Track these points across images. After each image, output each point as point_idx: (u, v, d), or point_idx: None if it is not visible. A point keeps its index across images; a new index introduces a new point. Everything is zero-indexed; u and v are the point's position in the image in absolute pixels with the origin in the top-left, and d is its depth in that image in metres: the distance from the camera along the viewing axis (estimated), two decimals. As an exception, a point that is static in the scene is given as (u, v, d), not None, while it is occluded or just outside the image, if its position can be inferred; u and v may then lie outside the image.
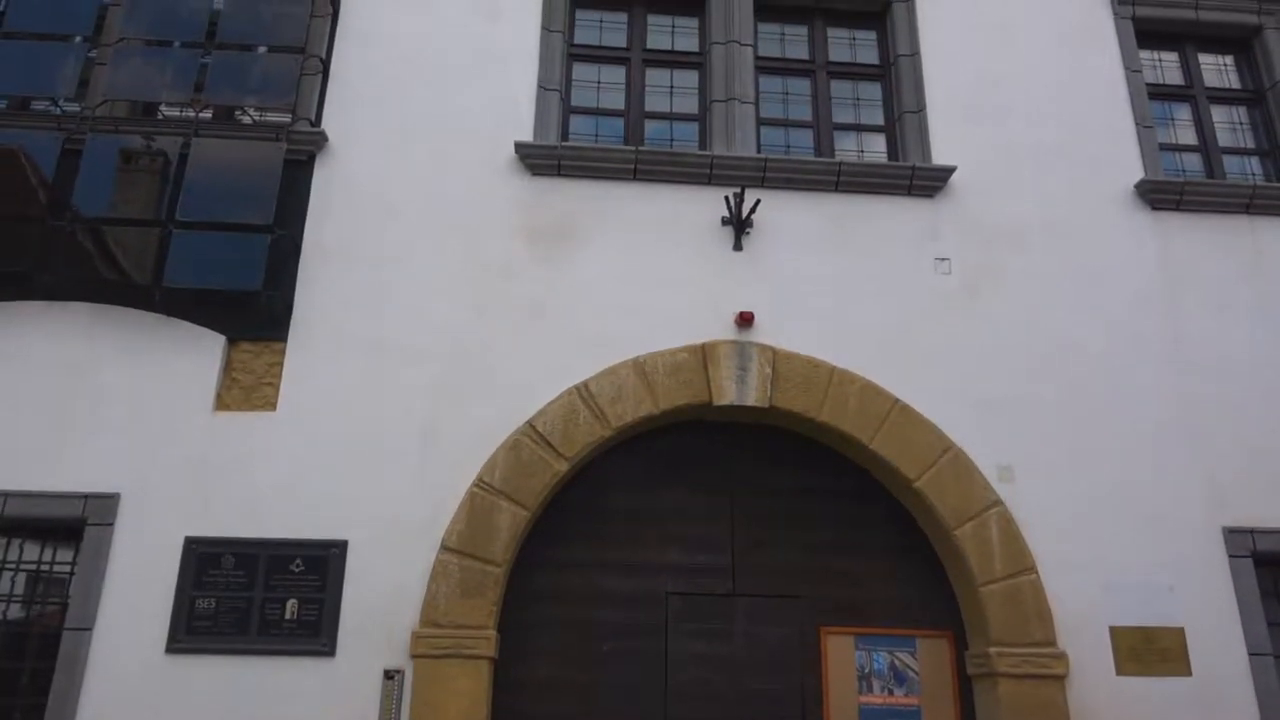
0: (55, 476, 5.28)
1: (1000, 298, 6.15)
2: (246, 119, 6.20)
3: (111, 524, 5.21)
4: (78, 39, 6.19)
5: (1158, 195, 6.47)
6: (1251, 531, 5.68)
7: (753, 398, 5.75)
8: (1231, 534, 5.67)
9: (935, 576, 5.82)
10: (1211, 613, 5.52)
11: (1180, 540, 5.66)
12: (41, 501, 5.23)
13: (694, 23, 6.97)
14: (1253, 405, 6.00)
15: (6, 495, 5.22)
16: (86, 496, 5.25)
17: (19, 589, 5.25)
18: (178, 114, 6.13)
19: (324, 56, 6.36)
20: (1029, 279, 6.21)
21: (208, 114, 6.16)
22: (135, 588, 5.12)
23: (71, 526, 5.24)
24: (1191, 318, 6.21)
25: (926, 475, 5.65)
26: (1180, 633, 5.47)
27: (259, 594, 5.17)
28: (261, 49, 6.26)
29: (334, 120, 6.22)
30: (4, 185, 5.79)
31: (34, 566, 5.29)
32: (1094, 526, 5.64)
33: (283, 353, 5.66)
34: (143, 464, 5.34)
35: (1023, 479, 5.71)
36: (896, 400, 5.81)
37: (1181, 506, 5.73)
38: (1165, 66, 7.24)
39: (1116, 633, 5.44)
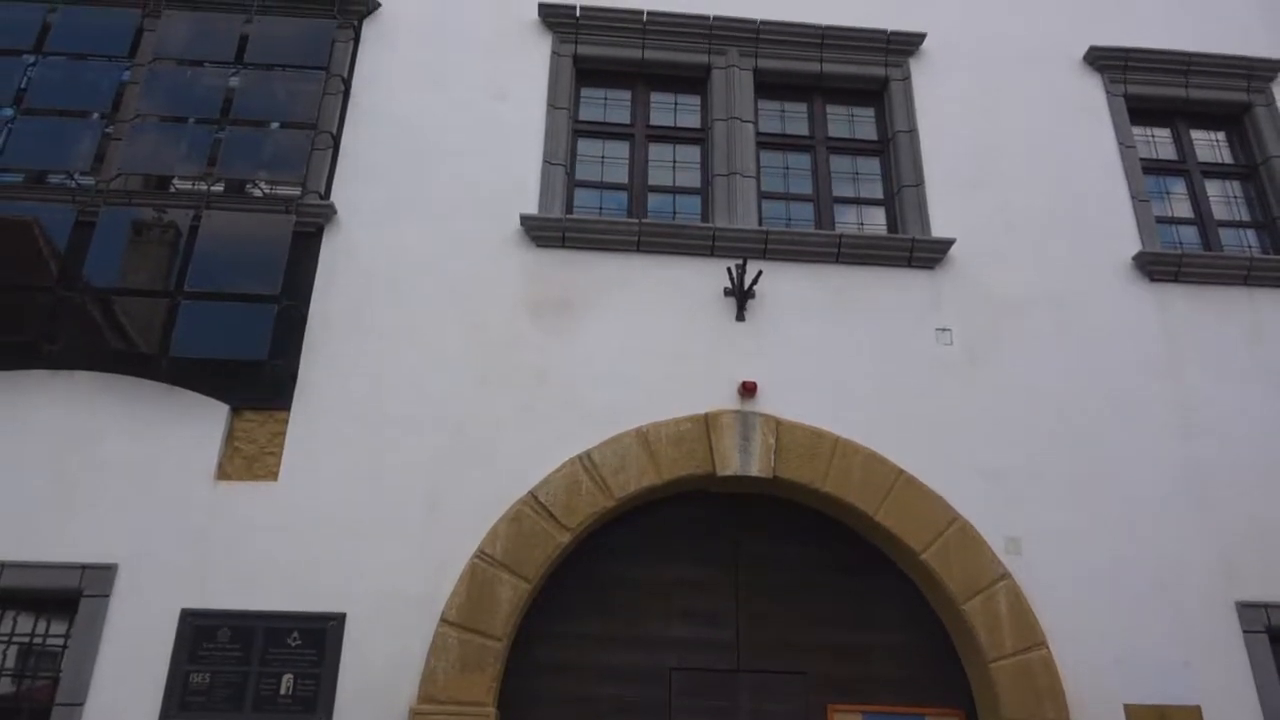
0: (53, 546, 5.23)
1: (1002, 368, 6.17)
2: (257, 192, 6.32)
3: (108, 595, 5.14)
4: (95, 115, 6.36)
5: (1156, 267, 6.53)
6: (1265, 606, 5.58)
7: (756, 468, 5.72)
8: (1245, 609, 5.57)
9: (945, 651, 5.70)
10: (1228, 690, 5.38)
11: (1193, 614, 5.56)
12: (38, 572, 5.17)
13: (696, 100, 7.16)
14: (1261, 476, 5.96)
15: (2, 565, 5.16)
16: (84, 567, 5.19)
17: (10, 663, 5.15)
18: (190, 187, 6.25)
19: (335, 132, 6.52)
20: (1031, 349, 6.24)
21: (219, 187, 6.29)
22: (129, 661, 5.03)
23: (67, 598, 5.16)
24: (1195, 389, 6.21)
25: (933, 547, 5.59)
26: (1197, 711, 5.33)
27: (255, 668, 5.07)
28: (274, 125, 6.43)
29: (343, 193, 6.34)
30: (17, 255, 5.88)
31: (26, 639, 5.20)
32: (1104, 600, 5.55)
33: (286, 422, 5.66)
34: (142, 534, 5.30)
35: (1030, 551, 5.64)
36: (901, 471, 5.77)
37: (1193, 579, 5.65)
38: (1158, 142, 7.39)
39: (1131, 711, 5.30)
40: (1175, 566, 5.67)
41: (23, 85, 6.41)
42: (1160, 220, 6.92)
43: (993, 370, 6.16)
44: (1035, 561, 5.61)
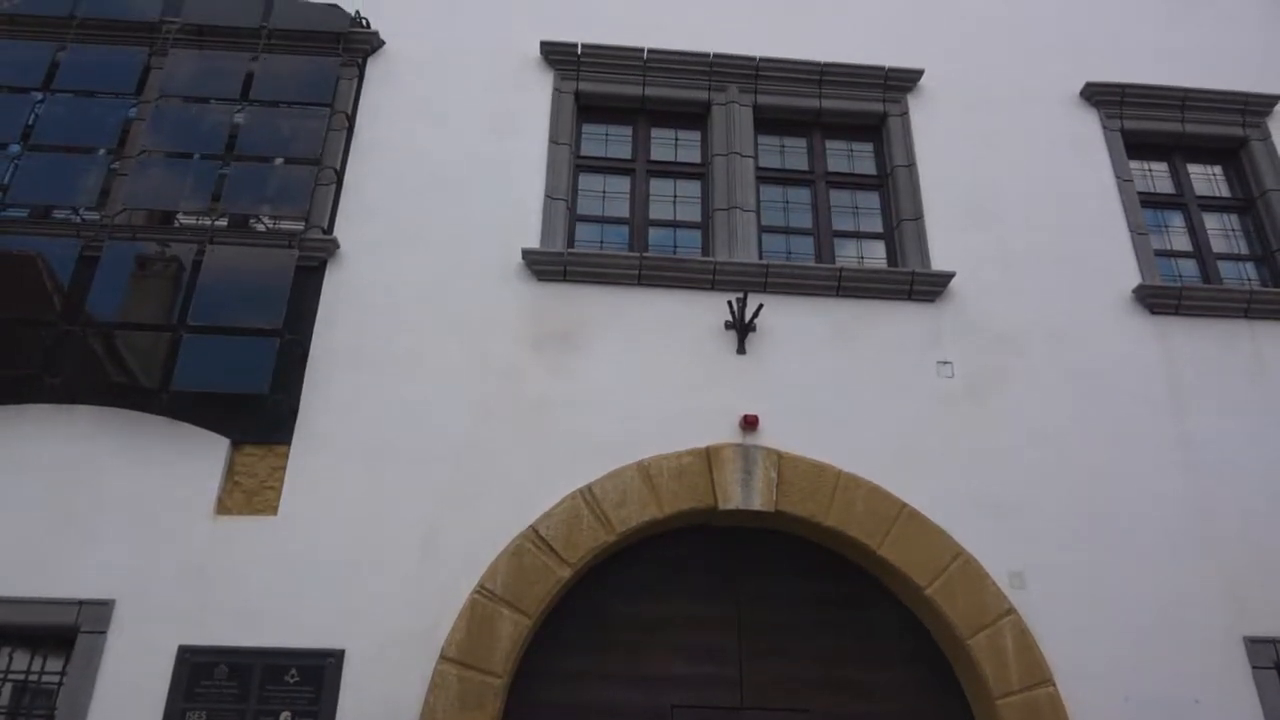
0: (51, 582, 5.19)
1: (1004, 401, 6.16)
2: (261, 227, 6.36)
3: (104, 632, 5.09)
4: (101, 151, 6.42)
5: (1156, 300, 6.55)
6: (1274, 641, 5.52)
7: (758, 502, 5.69)
8: (1254, 644, 5.51)
9: (950, 688, 5.63)
10: (1238, 728, 5.31)
11: (1200, 650, 5.49)
12: (34, 608, 5.12)
13: (696, 135, 7.22)
14: (1267, 509, 5.92)
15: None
16: (81, 603, 5.14)
17: (5, 700, 5.09)
18: (194, 222, 6.29)
19: (338, 168, 6.57)
20: (1032, 382, 6.23)
21: (223, 222, 6.33)
22: (125, 699, 4.96)
23: (64, 635, 5.11)
24: (1198, 420, 6.19)
25: (937, 582, 5.54)
26: (1208, 750, 5.26)
27: (252, 706, 5.00)
28: (279, 160, 6.48)
29: (346, 228, 6.38)
30: (20, 290, 5.90)
31: (22, 676, 5.14)
32: (1111, 636, 5.49)
33: (286, 456, 5.65)
34: (140, 569, 5.26)
35: (1035, 586, 5.59)
36: (904, 504, 5.74)
37: (1200, 615, 5.59)
38: (1156, 176, 7.44)
39: (1141, 750, 5.23)
40: (1182, 601, 5.62)
41: (30, 122, 6.48)
42: (1159, 253, 6.95)
43: (995, 403, 6.15)
44: (1040, 596, 5.56)
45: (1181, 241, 7.16)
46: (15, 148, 6.36)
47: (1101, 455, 6.02)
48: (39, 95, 6.59)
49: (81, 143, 6.43)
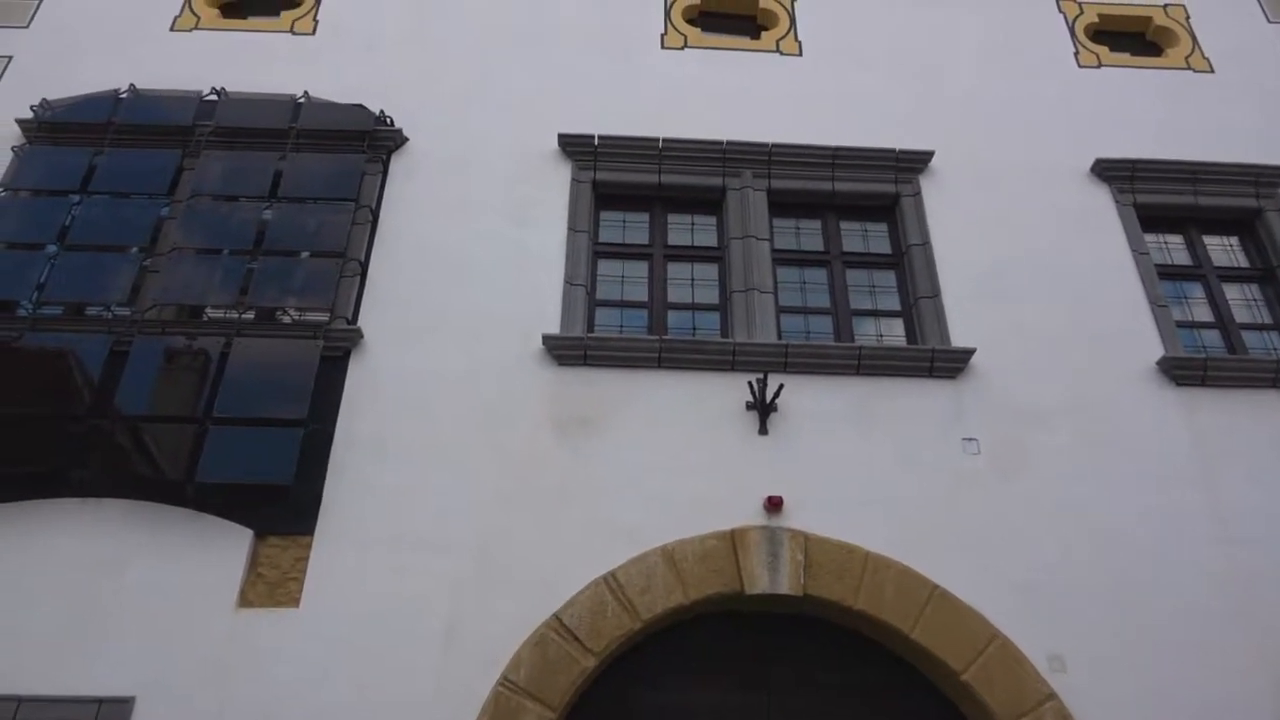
0: (71, 680, 5.13)
1: (1032, 478, 6.07)
2: (287, 318, 6.47)
3: (124, 731, 5.02)
4: (134, 250, 6.61)
5: (1181, 372, 6.49)
6: (1329, 725, 5.29)
7: (786, 585, 5.59)
8: (1308, 728, 5.28)
9: (992, 780, 5.40)
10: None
11: (1252, 735, 5.26)
12: (53, 706, 5.04)
13: (712, 220, 7.35)
14: (1310, 585, 5.74)
15: (19, 700, 5.05)
16: (100, 701, 5.07)
17: (20, 805, 5.00)
18: (222, 315, 6.42)
19: (363, 259, 6.72)
20: (1060, 458, 6.14)
21: (250, 315, 6.45)
22: (142, 802, 4.86)
23: (83, 734, 5.04)
24: (1231, 494, 6.06)
25: (974, 666, 5.37)
26: (1268, 843, 4.98)
27: (271, 808, 4.87)
28: (305, 254, 6.64)
29: (369, 318, 6.49)
30: (51, 386, 6.01)
31: (39, 779, 5.06)
32: (1157, 721, 5.28)
33: (309, 547, 5.62)
34: (161, 665, 5.20)
35: (1074, 669, 5.40)
36: (935, 586, 5.61)
37: (1246, 697, 5.36)
38: (1172, 248, 7.46)
39: (1198, 844, 4.96)
40: (1226, 683, 5.40)
41: (67, 223, 6.70)
42: (1180, 325, 6.92)
43: (1022, 480, 6.06)
44: (1080, 680, 5.37)
45: (1202, 312, 7.12)
46: (53, 248, 6.56)
47: (1134, 530, 5.89)
48: (76, 198, 6.82)
49: (115, 242, 6.63)
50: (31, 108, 7.23)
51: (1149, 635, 5.54)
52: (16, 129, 7.19)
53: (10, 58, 7.74)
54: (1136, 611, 5.61)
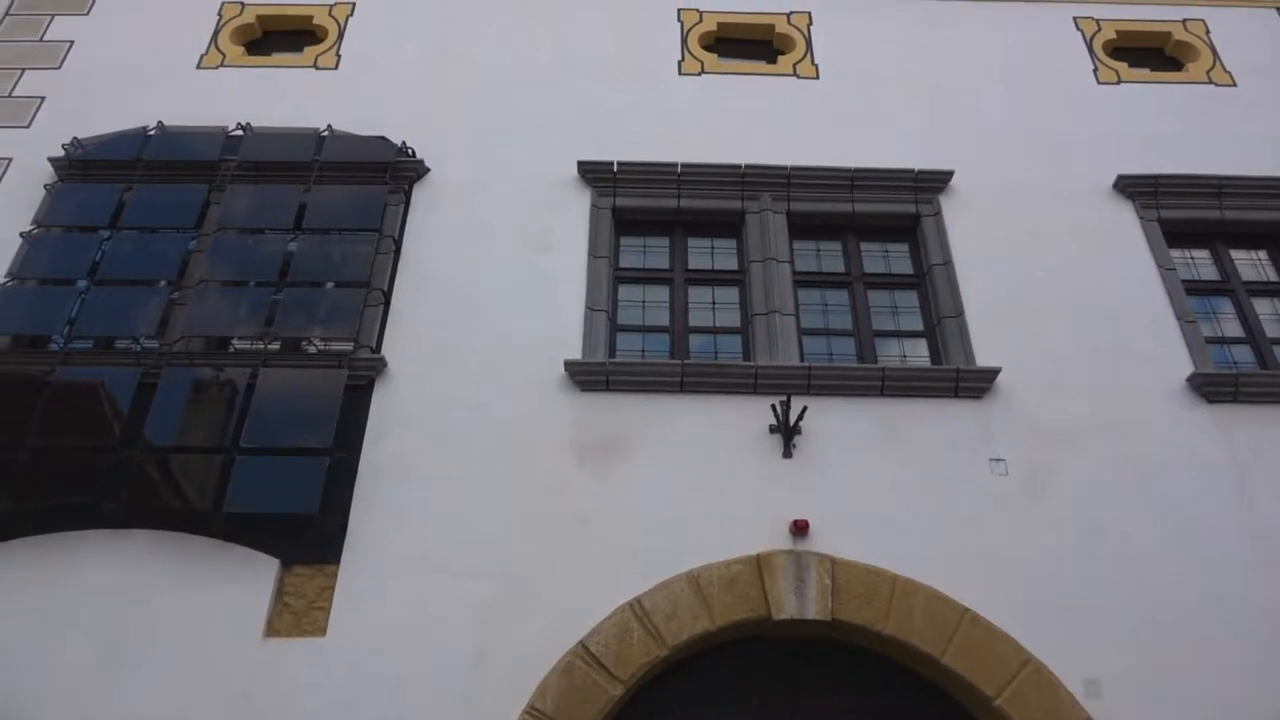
0: (100, 711, 5.15)
1: (1062, 498, 5.98)
2: (312, 348, 6.53)
3: (152, 762, 5.03)
4: (162, 283, 6.71)
5: (1212, 388, 6.39)
6: (1378, 750, 5.13)
7: (813, 610, 5.52)
8: (1356, 754, 5.13)
9: (1029, 809, 5.28)
10: None
11: (1298, 762, 5.12)
12: (83, 739, 5.09)
13: (732, 243, 7.35)
14: (1353, 605, 5.60)
15: (49, 733, 5.09)
16: (129, 733, 5.10)
17: (51, 837, 5.00)
18: (249, 346, 6.49)
19: (386, 289, 6.78)
20: (1090, 478, 6.05)
21: (276, 345, 6.51)
22: (170, 834, 4.85)
23: (111, 766, 5.05)
24: (1270, 512, 5.94)
25: (1007, 692, 5.27)
26: None
27: (298, 840, 4.85)
28: (329, 284, 6.72)
29: (393, 346, 6.53)
30: (81, 419, 6.09)
31: (69, 811, 5.07)
32: (1199, 747, 5.15)
33: (335, 575, 5.63)
34: (187, 697, 5.20)
35: (1111, 694, 5.29)
36: (965, 609, 5.53)
37: (1294, 722, 5.23)
38: (1199, 263, 7.37)
39: None
40: (1268, 709, 5.25)
41: (97, 258, 6.82)
42: (1210, 340, 6.82)
43: (1052, 500, 5.97)
44: (1118, 705, 5.25)
45: (1232, 328, 7.02)
46: (83, 283, 6.68)
47: (1168, 551, 5.78)
48: (106, 233, 6.95)
49: (144, 276, 6.74)
50: (63, 146, 7.40)
51: (1188, 659, 5.41)
52: (49, 167, 7.35)
53: (43, 98, 7.92)
54: (1174, 635, 5.49)
